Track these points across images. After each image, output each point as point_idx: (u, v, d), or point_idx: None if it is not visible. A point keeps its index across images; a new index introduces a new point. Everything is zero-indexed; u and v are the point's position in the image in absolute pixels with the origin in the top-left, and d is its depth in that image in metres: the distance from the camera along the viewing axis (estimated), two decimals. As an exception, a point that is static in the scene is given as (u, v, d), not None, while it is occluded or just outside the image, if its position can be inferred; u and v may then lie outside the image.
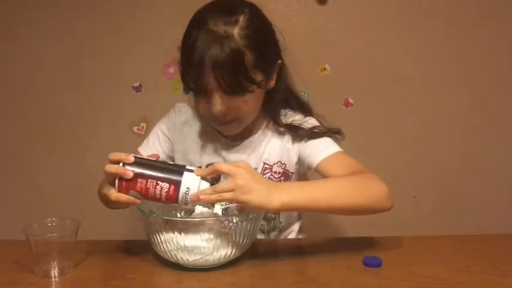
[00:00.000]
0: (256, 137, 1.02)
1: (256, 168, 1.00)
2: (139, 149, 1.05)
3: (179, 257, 0.78)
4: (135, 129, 1.49)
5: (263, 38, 0.90)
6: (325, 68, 1.44)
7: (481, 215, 1.49)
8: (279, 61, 0.96)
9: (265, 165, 1.01)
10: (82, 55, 1.46)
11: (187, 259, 0.78)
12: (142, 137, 1.48)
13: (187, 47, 0.87)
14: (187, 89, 0.90)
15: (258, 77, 0.89)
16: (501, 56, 1.44)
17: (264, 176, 0.99)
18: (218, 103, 0.87)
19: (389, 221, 1.50)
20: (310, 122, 1.02)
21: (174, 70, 1.45)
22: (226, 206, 0.94)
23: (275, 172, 1.01)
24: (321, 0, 1.41)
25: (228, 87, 0.85)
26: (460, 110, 1.46)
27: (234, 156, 1.01)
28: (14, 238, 0.88)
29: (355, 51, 1.43)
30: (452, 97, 1.45)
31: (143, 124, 1.49)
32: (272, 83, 0.95)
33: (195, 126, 1.04)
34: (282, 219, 1.04)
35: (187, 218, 0.91)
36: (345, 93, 1.45)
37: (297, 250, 0.95)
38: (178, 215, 0.93)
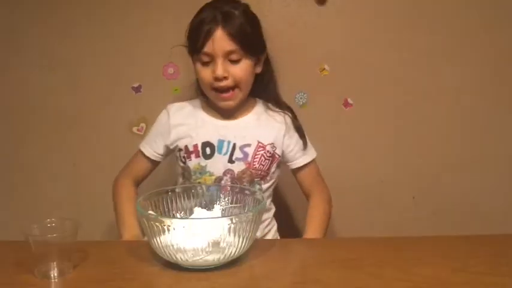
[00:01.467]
0: (249, 116, 1.16)
1: (250, 145, 1.12)
2: (141, 147, 1.20)
3: (178, 258, 0.78)
4: (134, 129, 1.49)
5: (255, 24, 1.11)
6: (324, 69, 1.44)
7: (481, 215, 1.49)
8: (266, 51, 1.15)
9: (259, 144, 1.13)
10: (81, 55, 1.46)
11: (186, 259, 0.78)
12: (141, 137, 1.49)
13: (197, 19, 1.08)
14: (195, 56, 1.09)
15: (252, 46, 1.08)
16: (502, 56, 1.43)
17: (258, 154, 1.12)
18: (220, 66, 1.05)
19: (389, 221, 1.51)
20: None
21: (173, 71, 1.45)
22: (225, 207, 0.94)
23: (268, 151, 1.14)
24: (320, 0, 1.41)
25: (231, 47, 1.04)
26: (460, 110, 1.46)
27: (230, 133, 1.13)
28: (13, 239, 0.88)
29: (354, 52, 1.43)
30: (452, 97, 1.45)
31: (142, 124, 1.49)
32: (259, 68, 1.14)
33: (192, 117, 1.16)
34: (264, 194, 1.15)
35: (187, 218, 0.91)
36: (344, 93, 1.45)
37: (296, 250, 0.95)
38: (178, 216, 0.93)
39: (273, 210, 1.23)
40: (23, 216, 1.51)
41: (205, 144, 1.13)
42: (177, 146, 1.16)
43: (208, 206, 0.95)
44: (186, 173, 1.15)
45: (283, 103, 1.22)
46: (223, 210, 0.94)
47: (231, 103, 1.11)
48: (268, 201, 1.19)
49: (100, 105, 1.48)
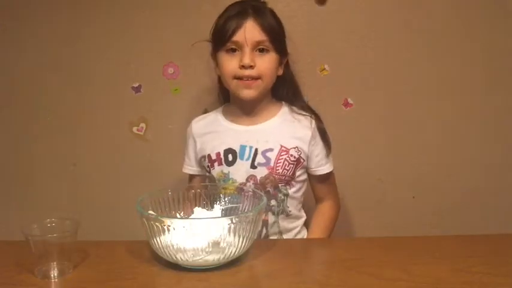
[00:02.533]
0: (274, 120, 1.14)
1: (273, 149, 1.10)
2: (184, 170, 1.22)
3: (179, 258, 0.78)
4: (134, 129, 1.49)
5: (281, 25, 1.13)
6: (324, 69, 1.44)
7: (481, 215, 1.49)
8: (287, 55, 1.16)
9: (282, 148, 1.10)
10: (81, 55, 1.46)
11: (186, 260, 0.78)
12: (141, 137, 1.49)
13: (226, 13, 1.09)
14: (221, 46, 1.08)
15: (279, 41, 1.10)
16: (502, 56, 1.43)
17: (280, 158, 1.09)
18: (248, 55, 1.05)
19: (389, 221, 1.51)
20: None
21: (173, 71, 1.45)
22: (226, 207, 0.94)
23: (291, 155, 1.10)
24: (320, 0, 1.41)
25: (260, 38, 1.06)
26: (460, 110, 1.46)
27: (253, 138, 1.11)
28: (13, 239, 0.88)
29: (354, 52, 1.43)
30: (452, 97, 1.45)
31: (142, 125, 1.49)
32: (281, 70, 1.14)
33: (213, 125, 1.17)
34: (289, 205, 1.12)
35: (187, 218, 0.91)
36: (344, 93, 1.45)
37: (297, 250, 0.95)
38: (178, 216, 0.93)
39: (304, 218, 1.19)
40: (23, 216, 1.51)
41: (228, 151, 1.11)
42: (202, 156, 1.15)
43: (208, 207, 0.95)
44: (212, 182, 1.13)
45: (308, 107, 1.19)
46: (223, 210, 0.94)
47: (252, 92, 1.08)
48: (298, 208, 1.15)
49: (100, 105, 1.48)
